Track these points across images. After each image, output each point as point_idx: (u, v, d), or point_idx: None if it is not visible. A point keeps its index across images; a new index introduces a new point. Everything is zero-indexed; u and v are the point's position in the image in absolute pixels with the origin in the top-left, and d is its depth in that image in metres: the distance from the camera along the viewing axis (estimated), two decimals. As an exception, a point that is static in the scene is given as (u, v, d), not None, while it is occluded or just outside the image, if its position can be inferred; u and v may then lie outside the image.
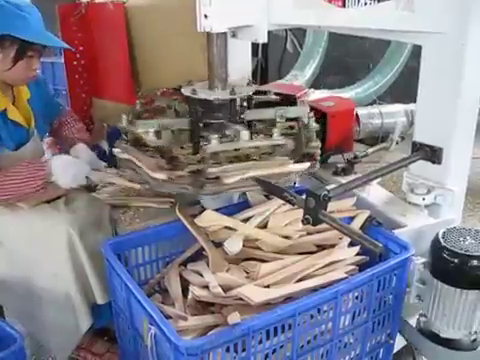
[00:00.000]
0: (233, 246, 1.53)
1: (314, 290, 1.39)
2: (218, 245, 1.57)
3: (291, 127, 1.65)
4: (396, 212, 1.69)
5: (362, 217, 1.63)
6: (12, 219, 1.74)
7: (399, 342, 1.60)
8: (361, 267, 1.50)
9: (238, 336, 1.19)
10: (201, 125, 1.61)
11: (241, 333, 1.18)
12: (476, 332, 1.43)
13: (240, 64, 2.02)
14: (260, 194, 1.67)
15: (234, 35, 1.71)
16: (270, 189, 1.49)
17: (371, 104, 4.06)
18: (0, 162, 1.71)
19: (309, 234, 1.63)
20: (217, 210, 1.70)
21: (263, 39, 1.68)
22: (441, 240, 1.37)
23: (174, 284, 1.49)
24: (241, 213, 1.68)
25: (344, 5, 1.62)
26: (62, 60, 3.17)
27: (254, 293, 1.33)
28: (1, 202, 1.73)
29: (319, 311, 1.33)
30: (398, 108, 3.82)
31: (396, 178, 2.83)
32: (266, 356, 1.29)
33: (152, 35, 2.83)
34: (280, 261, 1.51)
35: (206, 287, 1.40)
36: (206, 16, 1.50)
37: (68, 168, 1.71)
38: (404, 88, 3.82)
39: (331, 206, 1.40)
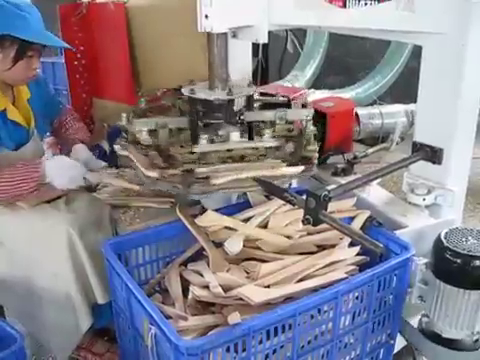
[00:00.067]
0: (233, 246, 1.53)
1: (314, 290, 1.39)
2: (218, 245, 1.57)
3: (290, 130, 1.65)
4: (397, 212, 1.69)
5: (362, 217, 1.63)
6: (12, 219, 1.74)
7: (399, 342, 1.60)
8: (361, 267, 1.50)
9: (238, 336, 1.19)
10: (201, 125, 1.61)
11: (241, 333, 1.18)
12: (478, 332, 1.43)
13: (240, 64, 2.02)
14: (260, 194, 1.67)
15: (235, 35, 1.71)
16: (270, 189, 1.49)
17: (371, 104, 4.06)
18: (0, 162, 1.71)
19: (309, 234, 1.63)
20: (217, 210, 1.71)
21: (263, 39, 1.68)
22: (443, 240, 1.37)
23: (174, 284, 1.49)
24: (241, 213, 1.68)
25: (344, 5, 1.62)
26: (63, 60, 3.17)
27: (254, 293, 1.33)
28: (1, 202, 1.73)
29: (319, 311, 1.33)
30: (398, 108, 3.82)
31: (396, 178, 2.83)
32: (266, 356, 1.29)
33: (153, 35, 2.83)
34: (280, 261, 1.51)
35: (206, 287, 1.40)
36: (207, 16, 1.50)
37: (64, 170, 1.70)
38: (404, 88, 3.82)
39: (331, 206, 1.40)
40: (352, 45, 4.53)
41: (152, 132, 1.59)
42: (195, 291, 1.39)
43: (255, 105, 1.79)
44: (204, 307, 1.39)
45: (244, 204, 1.73)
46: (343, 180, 1.91)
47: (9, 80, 1.75)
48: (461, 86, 1.52)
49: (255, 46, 3.05)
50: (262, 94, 1.88)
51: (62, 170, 1.70)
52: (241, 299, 1.33)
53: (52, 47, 2.20)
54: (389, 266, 1.42)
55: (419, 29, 1.53)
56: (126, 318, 1.46)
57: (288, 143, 1.58)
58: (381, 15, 1.56)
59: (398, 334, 1.57)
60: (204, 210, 1.76)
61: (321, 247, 1.60)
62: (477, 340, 1.44)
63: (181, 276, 1.52)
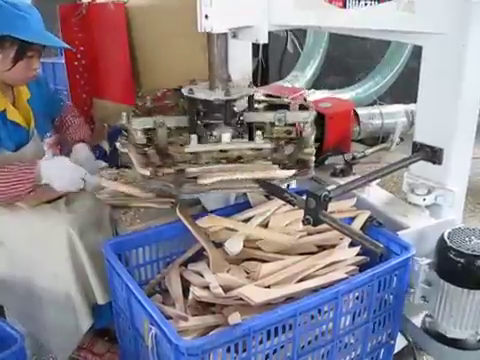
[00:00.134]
0: (234, 246, 1.53)
1: (315, 290, 1.39)
2: (219, 245, 1.57)
3: (289, 132, 1.63)
4: (397, 213, 1.69)
5: (362, 217, 1.63)
6: (12, 219, 1.74)
7: (400, 342, 1.60)
8: (362, 267, 1.51)
9: (239, 336, 1.19)
10: (202, 124, 1.61)
11: (242, 333, 1.19)
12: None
13: (241, 65, 2.02)
14: (260, 195, 1.67)
15: (235, 36, 1.71)
16: (271, 190, 1.49)
17: (371, 104, 4.06)
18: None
19: (310, 234, 1.63)
20: (217, 210, 1.71)
21: (264, 40, 1.68)
22: (447, 240, 1.37)
23: (175, 284, 1.49)
24: (242, 213, 1.68)
25: (344, 6, 1.62)
26: (63, 60, 3.17)
27: (255, 293, 1.33)
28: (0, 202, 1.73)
29: (320, 311, 1.33)
30: (398, 108, 3.82)
31: (396, 179, 2.83)
32: (267, 356, 1.29)
33: (153, 35, 2.83)
34: (281, 261, 1.51)
35: (207, 287, 1.40)
36: (207, 16, 1.50)
37: (63, 171, 1.70)
38: (404, 88, 3.82)
39: (331, 207, 1.40)
40: (352, 45, 4.52)
41: (152, 131, 1.60)
42: (195, 291, 1.39)
43: (260, 106, 1.79)
44: (204, 307, 1.39)
45: (244, 204, 1.73)
46: (342, 181, 1.91)
47: (9, 80, 1.75)
48: (461, 86, 1.52)
49: (255, 46, 3.05)
50: (268, 95, 1.87)
51: (61, 172, 1.70)
52: (241, 299, 1.33)
53: (52, 47, 2.20)
54: (389, 266, 1.42)
55: (419, 29, 1.53)
56: (126, 318, 1.46)
57: (287, 145, 1.57)
58: (381, 15, 1.56)
59: (398, 334, 1.57)
60: (204, 210, 1.76)
61: (321, 247, 1.60)
62: (481, 339, 1.44)
63: (181, 276, 1.52)
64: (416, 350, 1.59)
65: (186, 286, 1.46)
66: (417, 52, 1.64)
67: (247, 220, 1.65)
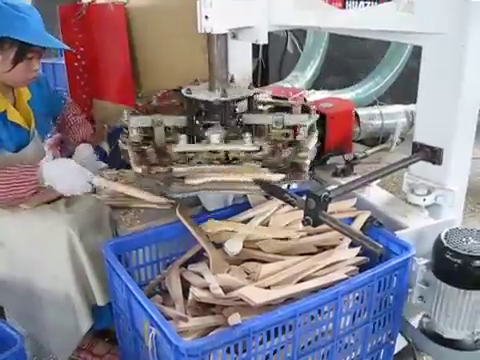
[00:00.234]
0: (233, 247, 1.53)
1: (315, 291, 1.39)
2: (219, 246, 1.57)
3: (286, 135, 1.61)
4: (397, 213, 1.69)
5: (363, 218, 1.63)
6: (12, 220, 1.74)
7: (400, 343, 1.60)
8: (362, 268, 1.50)
9: (239, 337, 1.19)
10: (202, 125, 1.61)
11: (242, 334, 1.18)
12: (479, 332, 1.44)
13: (241, 65, 2.02)
14: (260, 195, 1.67)
15: (234, 36, 1.71)
16: (270, 190, 1.49)
17: (371, 105, 4.06)
18: (0, 164, 1.70)
19: (310, 235, 1.63)
20: (217, 211, 1.71)
21: (263, 40, 1.68)
22: (444, 241, 1.37)
23: (175, 285, 1.49)
24: (241, 214, 1.68)
25: (344, 6, 1.62)
26: (63, 61, 3.18)
27: (255, 294, 1.33)
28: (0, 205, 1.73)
29: (320, 312, 1.32)
30: (398, 109, 3.82)
31: (397, 179, 2.83)
32: (267, 357, 1.29)
33: (153, 36, 2.84)
34: (281, 262, 1.51)
35: (207, 288, 1.40)
36: (207, 17, 1.50)
37: (66, 174, 1.65)
38: (404, 89, 3.82)
39: (331, 207, 1.40)
40: (352, 46, 4.52)
41: (152, 130, 1.60)
42: (195, 292, 1.39)
43: (264, 108, 1.78)
44: (204, 308, 1.39)
45: (244, 205, 1.73)
46: (343, 181, 1.91)
47: (9, 82, 1.75)
48: (461, 86, 1.52)
49: (255, 47, 3.05)
50: (274, 97, 1.86)
51: (64, 174, 1.65)
52: (241, 300, 1.33)
53: (52, 49, 2.20)
54: (389, 266, 1.42)
55: (419, 30, 1.53)
56: (126, 319, 1.46)
57: (285, 148, 1.55)
58: (380, 16, 1.56)
59: (398, 334, 1.57)
60: (204, 211, 1.76)
61: (321, 248, 1.60)
62: (478, 340, 1.44)
63: (181, 277, 1.52)
64: (416, 350, 1.58)
65: (186, 287, 1.46)
66: (417, 52, 1.64)
67: (247, 221, 1.66)
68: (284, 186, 1.53)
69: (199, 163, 1.51)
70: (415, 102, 1.68)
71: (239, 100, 1.61)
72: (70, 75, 3.10)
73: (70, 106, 2.12)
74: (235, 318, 1.19)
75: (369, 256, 1.54)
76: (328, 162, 2.15)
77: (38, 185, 1.63)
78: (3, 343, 1.38)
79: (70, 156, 1.96)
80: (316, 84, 4.52)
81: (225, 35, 1.59)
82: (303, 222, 1.33)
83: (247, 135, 1.52)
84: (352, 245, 1.56)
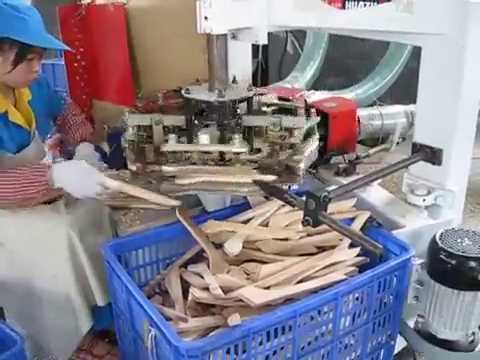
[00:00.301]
0: (233, 247, 1.53)
1: (314, 291, 1.39)
2: (218, 246, 1.57)
3: (283, 137, 1.58)
4: (396, 213, 1.69)
5: (362, 218, 1.63)
6: (12, 220, 1.74)
7: (400, 343, 1.60)
8: (361, 268, 1.50)
9: (238, 337, 1.19)
10: (202, 125, 1.61)
11: (241, 334, 1.18)
12: (473, 333, 1.44)
13: (240, 66, 2.02)
14: (260, 195, 1.67)
15: (234, 37, 1.71)
16: (270, 190, 1.49)
17: (371, 105, 4.06)
18: (1, 165, 1.70)
19: (309, 235, 1.63)
20: (217, 212, 1.71)
21: (263, 41, 1.68)
22: (438, 241, 1.37)
23: (174, 286, 1.49)
24: (241, 214, 1.68)
25: (343, 7, 1.62)
26: (62, 62, 3.18)
27: (254, 294, 1.33)
28: (10, 205, 1.70)
29: (319, 312, 1.33)
30: (398, 109, 3.81)
31: (396, 179, 2.83)
32: (267, 357, 1.29)
33: (152, 37, 2.83)
34: (280, 263, 1.51)
35: (206, 289, 1.40)
36: (206, 18, 1.50)
37: (76, 175, 1.60)
38: (404, 89, 3.82)
39: (331, 207, 1.40)
40: (352, 46, 4.52)
41: (136, 128, 1.61)
42: (195, 293, 1.39)
43: (268, 109, 1.77)
44: (204, 309, 1.39)
45: (244, 205, 1.73)
46: (345, 180, 1.92)
47: (10, 83, 1.75)
48: (461, 86, 1.52)
49: (255, 47, 3.06)
50: (281, 98, 1.85)
51: (75, 175, 1.60)
52: (241, 300, 1.33)
53: (52, 49, 2.20)
54: (389, 267, 1.42)
55: (418, 30, 1.53)
56: (126, 320, 1.46)
57: (283, 151, 1.55)
58: (380, 16, 1.56)
59: (398, 335, 1.57)
60: (204, 211, 1.76)
61: (321, 248, 1.60)
62: (472, 341, 1.44)
63: (181, 278, 1.52)
64: (415, 351, 1.59)
65: (186, 287, 1.46)
66: (417, 53, 1.64)
67: (247, 221, 1.66)
68: (284, 187, 1.53)
69: (193, 163, 1.51)
70: (415, 102, 1.68)
71: (239, 101, 1.61)
72: (70, 76, 3.10)
73: (70, 107, 2.12)
74: (235, 319, 1.19)
75: (369, 256, 1.54)
76: (332, 161, 2.15)
77: (48, 186, 1.59)
78: (3, 344, 1.38)
79: (70, 156, 1.96)
80: (316, 85, 4.52)
81: (225, 36, 1.59)
82: (303, 222, 1.33)
83: (236, 137, 1.51)
84: (352, 245, 1.56)
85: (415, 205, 1.69)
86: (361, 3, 1.59)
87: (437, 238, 1.38)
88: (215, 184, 1.50)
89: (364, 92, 4.36)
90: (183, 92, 1.60)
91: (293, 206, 1.43)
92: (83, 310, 1.74)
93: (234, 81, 1.75)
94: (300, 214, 1.37)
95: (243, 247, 1.54)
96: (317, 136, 1.68)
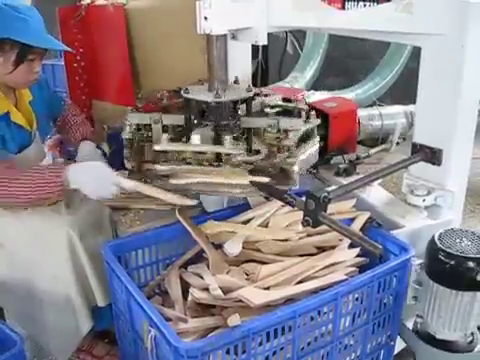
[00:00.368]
0: (233, 248, 1.53)
1: (314, 292, 1.39)
2: (218, 247, 1.57)
3: (279, 139, 1.56)
4: (396, 213, 1.69)
5: (362, 218, 1.64)
6: (13, 221, 1.74)
7: (400, 343, 1.60)
8: (361, 269, 1.50)
9: (238, 338, 1.19)
10: (202, 125, 1.61)
11: (241, 335, 1.19)
12: (472, 333, 1.44)
13: (240, 66, 2.02)
14: (255, 196, 1.66)
15: (234, 37, 1.71)
16: (270, 191, 1.49)
17: (371, 106, 4.06)
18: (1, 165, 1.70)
19: (309, 236, 1.63)
20: (217, 212, 1.71)
21: (263, 41, 1.68)
22: (437, 242, 1.37)
23: (174, 286, 1.49)
24: (241, 215, 1.68)
25: (343, 7, 1.62)
26: (62, 62, 3.18)
27: (254, 295, 1.33)
28: (25, 205, 1.69)
29: (319, 313, 1.33)
30: (398, 109, 3.82)
31: (396, 179, 2.82)
32: (266, 358, 1.29)
33: (152, 37, 2.84)
34: (280, 263, 1.51)
35: (206, 289, 1.40)
36: (206, 18, 1.50)
37: (92, 176, 1.58)
38: (404, 89, 3.82)
39: (331, 208, 1.40)
40: (352, 46, 4.53)
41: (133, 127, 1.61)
42: (195, 293, 1.39)
43: (271, 111, 1.76)
44: (204, 309, 1.39)
45: (244, 206, 1.73)
46: (345, 180, 1.92)
47: (11, 83, 1.75)
48: (460, 87, 1.52)
49: (255, 48, 3.05)
50: (285, 100, 1.85)
51: (91, 176, 1.58)
52: (241, 301, 1.33)
53: (52, 50, 2.20)
54: (389, 267, 1.42)
55: (418, 30, 1.53)
56: (126, 320, 1.46)
57: (280, 153, 1.55)
58: (380, 17, 1.56)
59: (398, 335, 1.57)
60: (204, 212, 1.76)
61: (321, 249, 1.60)
62: (471, 341, 1.44)
63: (181, 278, 1.52)
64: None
65: (186, 288, 1.46)
66: (416, 53, 1.64)
67: (247, 222, 1.66)
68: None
69: (188, 163, 1.51)
70: (414, 103, 1.68)
71: (237, 102, 1.61)
72: (69, 76, 3.10)
73: (69, 107, 2.12)
74: (234, 319, 1.19)
75: (369, 257, 1.54)
76: (332, 161, 2.15)
77: (63, 187, 1.57)
78: (3, 344, 1.38)
79: (70, 157, 1.96)
80: (316, 85, 4.52)
81: (224, 36, 1.59)
82: (303, 223, 1.33)
83: (227, 137, 1.50)
84: (351, 246, 1.56)
85: (415, 205, 1.69)
86: (361, 3, 1.59)
87: (436, 238, 1.38)
88: (209, 185, 1.50)
89: (364, 92, 4.36)
90: (182, 92, 1.60)
91: (293, 206, 1.43)
92: (83, 310, 1.74)
93: (236, 82, 1.75)
94: (300, 214, 1.37)
95: (243, 248, 1.55)
96: (317, 138, 1.68)
